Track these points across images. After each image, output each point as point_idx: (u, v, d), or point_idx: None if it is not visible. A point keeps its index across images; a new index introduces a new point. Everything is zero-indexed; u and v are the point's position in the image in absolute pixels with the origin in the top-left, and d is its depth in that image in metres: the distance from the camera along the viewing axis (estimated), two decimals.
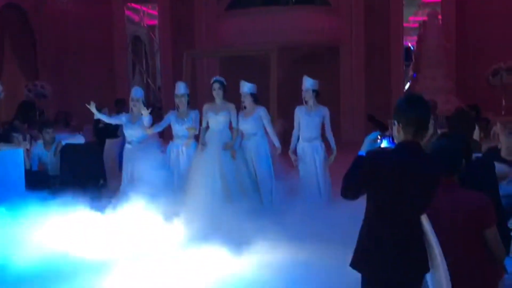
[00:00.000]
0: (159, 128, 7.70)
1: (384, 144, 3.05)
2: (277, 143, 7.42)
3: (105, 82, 16.38)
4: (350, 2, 15.78)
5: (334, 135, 7.61)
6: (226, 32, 15.50)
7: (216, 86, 7.48)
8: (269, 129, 7.47)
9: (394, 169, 2.90)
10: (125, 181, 7.58)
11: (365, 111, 15.23)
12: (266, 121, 7.45)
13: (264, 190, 7.38)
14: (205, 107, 7.57)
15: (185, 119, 7.57)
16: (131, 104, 7.85)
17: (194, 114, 7.63)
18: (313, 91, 7.46)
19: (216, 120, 7.44)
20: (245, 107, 7.49)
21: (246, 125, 7.48)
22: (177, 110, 7.68)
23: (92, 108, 7.63)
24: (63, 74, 16.65)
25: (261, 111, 7.47)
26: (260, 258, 5.16)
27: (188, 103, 7.65)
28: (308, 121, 7.46)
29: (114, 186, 8.04)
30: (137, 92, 7.90)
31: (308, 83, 7.49)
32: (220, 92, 7.47)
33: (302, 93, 7.52)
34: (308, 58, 15.30)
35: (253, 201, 7.02)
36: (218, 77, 7.70)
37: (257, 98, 7.55)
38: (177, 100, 7.62)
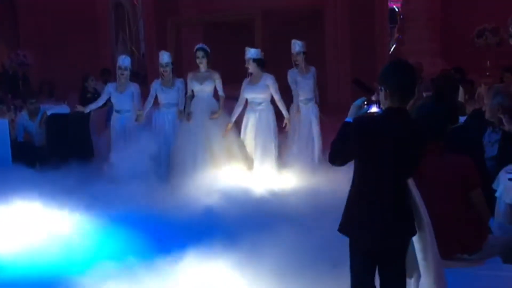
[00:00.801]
0: (149, 104, 7.61)
1: (372, 109, 3.06)
2: (285, 112, 7.38)
3: (88, 50, 16.14)
4: None
5: (320, 98, 8.01)
6: None
7: (199, 54, 7.37)
8: (277, 97, 7.32)
9: (381, 135, 2.92)
10: (116, 150, 7.38)
11: (350, 74, 15.19)
12: (273, 90, 7.27)
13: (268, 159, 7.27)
14: (190, 75, 7.47)
15: (171, 88, 7.53)
16: (118, 72, 7.73)
17: (179, 82, 7.57)
18: (303, 53, 7.63)
19: (201, 89, 7.37)
20: (250, 74, 7.29)
21: (253, 93, 7.29)
22: (162, 79, 7.60)
23: (82, 108, 7.87)
24: (45, 42, 16.36)
25: (269, 79, 7.25)
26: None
27: (173, 71, 7.59)
28: (303, 84, 7.65)
29: (102, 154, 8.03)
30: (124, 61, 7.79)
31: (298, 46, 7.63)
32: (204, 60, 7.35)
33: (292, 56, 7.67)
34: (293, 22, 15.16)
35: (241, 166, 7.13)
36: (201, 45, 7.57)
37: (263, 64, 7.32)
38: (161, 69, 7.55)
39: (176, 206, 5.93)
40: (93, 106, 7.99)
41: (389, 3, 16.55)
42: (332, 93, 14.75)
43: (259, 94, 7.27)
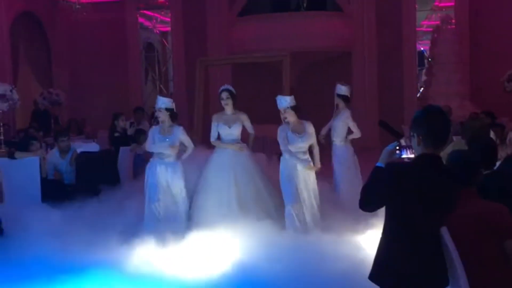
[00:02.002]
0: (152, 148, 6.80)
1: (404, 155, 3.04)
2: (318, 162, 6.87)
3: (118, 89, 16.49)
4: (362, 6, 15.75)
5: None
6: (238, 39, 15.55)
7: (224, 95, 6.99)
8: (316, 149, 6.85)
9: (415, 183, 2.88)
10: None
11: (377, 116, 15.20)
12: (314, 140, 6.82)
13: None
14: (215, 117, 7.05)
15: (167, 136, 6.71)
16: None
17: (177, 130, 6.73)
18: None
19: (230, 133, 7.01)
20: (288, 123, 6.66)
21: (299, 144, 6.65)
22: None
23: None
24: (77, 81, 16.78)
25: (311, 127, 6.75)
26: None
27: (173, 118, 6.79)
28: (335, 126, 7.78)
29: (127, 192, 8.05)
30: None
31: (341, 89, 7.79)
32: (230, 102, 6.99)
33: (335, 99, 7.79)
34: (321, 64, 15.30)
35: (270, 209, 6.84)
36: (226, 86, 7.18)
37: (299, 110, 6.76)
38: (157, 114, 6.88)
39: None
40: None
41: (417, 46, 16.61)
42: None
43: (305, 143, 6.71)
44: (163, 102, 6.82)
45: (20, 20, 15.25)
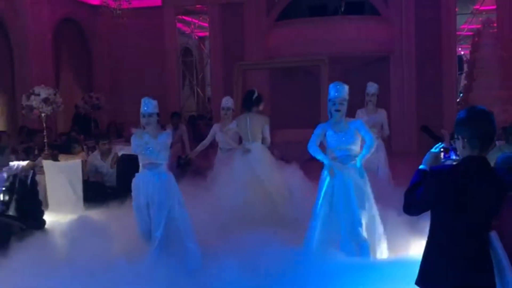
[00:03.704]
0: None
1: (451, 157, 2.99)
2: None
3: (156, 93, 16.66)
4: (401, 10, 15.60)
5: (385, 145, 8.11)
6: (276, 43, 15.57)
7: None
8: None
9: (460, 186, 2.83)
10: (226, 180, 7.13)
11: (416, 121, 15.02)
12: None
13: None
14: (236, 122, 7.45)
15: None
16: (222, 112, 8.21)
17: (164, 136, 5.72)
18: (377, 96, 8.08)
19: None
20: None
21: (350, 146, 5.60)
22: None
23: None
24: (116, 87, 17.08)
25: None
26: None
27: (159, 122, 5.90)
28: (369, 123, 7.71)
29: None
30: (227, 102, 8.24)
31: (374, 88, 8.05)
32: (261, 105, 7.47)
33: (367, 97, 8.03)
34: (358, 68, 15.20)
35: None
36: (252, 89, 7.62)
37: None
38: (143, 121, 5.70)
39: None
40: (199, 148, 8.46)
41: (457, 50, 16.36)
42: (397, 140, 14.54)
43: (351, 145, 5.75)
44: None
45: (62, 26, 15.63)
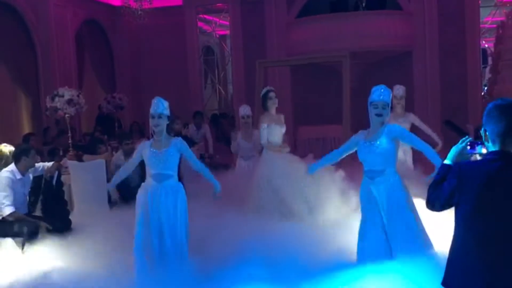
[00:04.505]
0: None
1: (476, 152, 2.92)
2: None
3: (178, 92, 16.76)
4: (423, 4, 15.42)
5: None
6: (297, 40, 15.51)
7: (272, 95, 7.16)
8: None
9: (485, 182, 2.77)
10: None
11: (440, 115, 14.84)
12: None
13: None
14: (265, 118, 7.10)
15: (162, 151, 5.38)
16: (242, 121, 8.22)
17: (177, 143, 5.42)
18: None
19: (281, 132, 7.19)
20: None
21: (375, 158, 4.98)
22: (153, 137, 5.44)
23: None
24: (138, 87, 17.20)
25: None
26: None
27: (168, 129, 5.44)
28: None
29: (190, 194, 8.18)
30: (245, 110, 8.20)
31: (402, 90, 7.90)
32: (277, 101, 7.18)
33: (395, 100, 7.59)
34: (381, 63, 15.08)
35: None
36: (269, 87, 7.46)
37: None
38: (153, 123, 5.33)
39: None
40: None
41: (480, 43, 16.13)
42: (421, 135, 14.37)
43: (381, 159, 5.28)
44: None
45: (84, 27, 15.80)
